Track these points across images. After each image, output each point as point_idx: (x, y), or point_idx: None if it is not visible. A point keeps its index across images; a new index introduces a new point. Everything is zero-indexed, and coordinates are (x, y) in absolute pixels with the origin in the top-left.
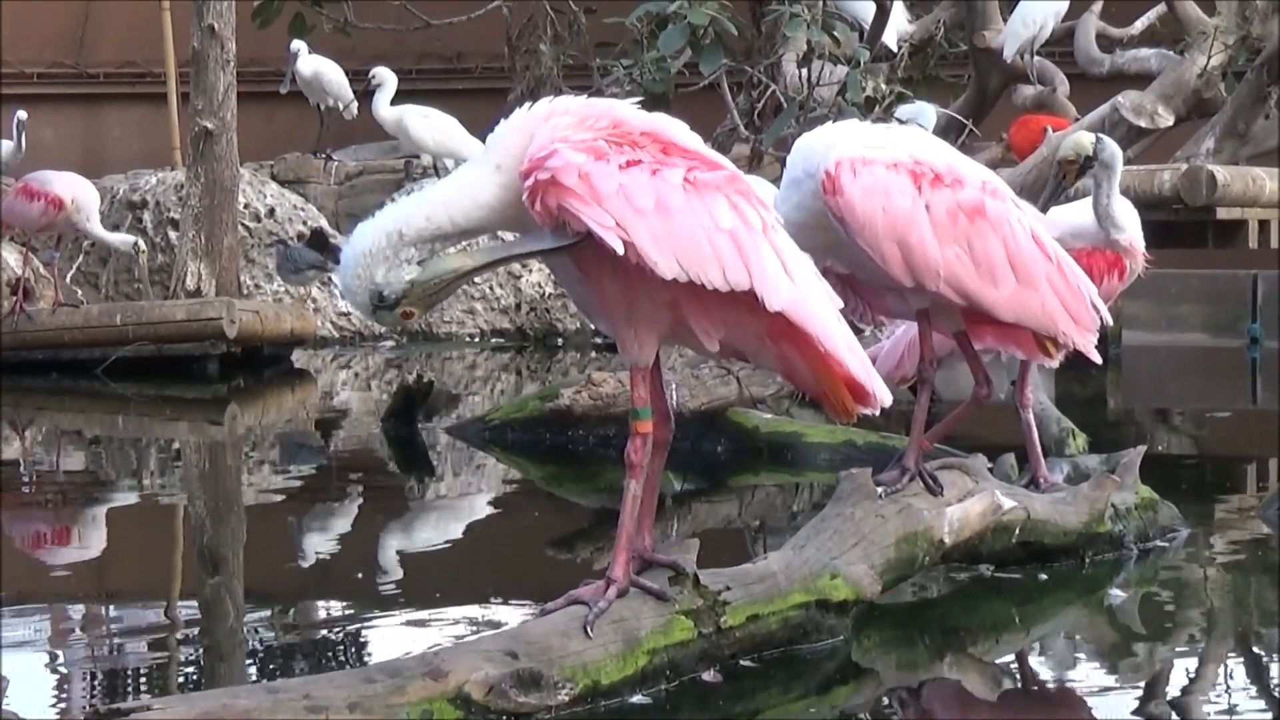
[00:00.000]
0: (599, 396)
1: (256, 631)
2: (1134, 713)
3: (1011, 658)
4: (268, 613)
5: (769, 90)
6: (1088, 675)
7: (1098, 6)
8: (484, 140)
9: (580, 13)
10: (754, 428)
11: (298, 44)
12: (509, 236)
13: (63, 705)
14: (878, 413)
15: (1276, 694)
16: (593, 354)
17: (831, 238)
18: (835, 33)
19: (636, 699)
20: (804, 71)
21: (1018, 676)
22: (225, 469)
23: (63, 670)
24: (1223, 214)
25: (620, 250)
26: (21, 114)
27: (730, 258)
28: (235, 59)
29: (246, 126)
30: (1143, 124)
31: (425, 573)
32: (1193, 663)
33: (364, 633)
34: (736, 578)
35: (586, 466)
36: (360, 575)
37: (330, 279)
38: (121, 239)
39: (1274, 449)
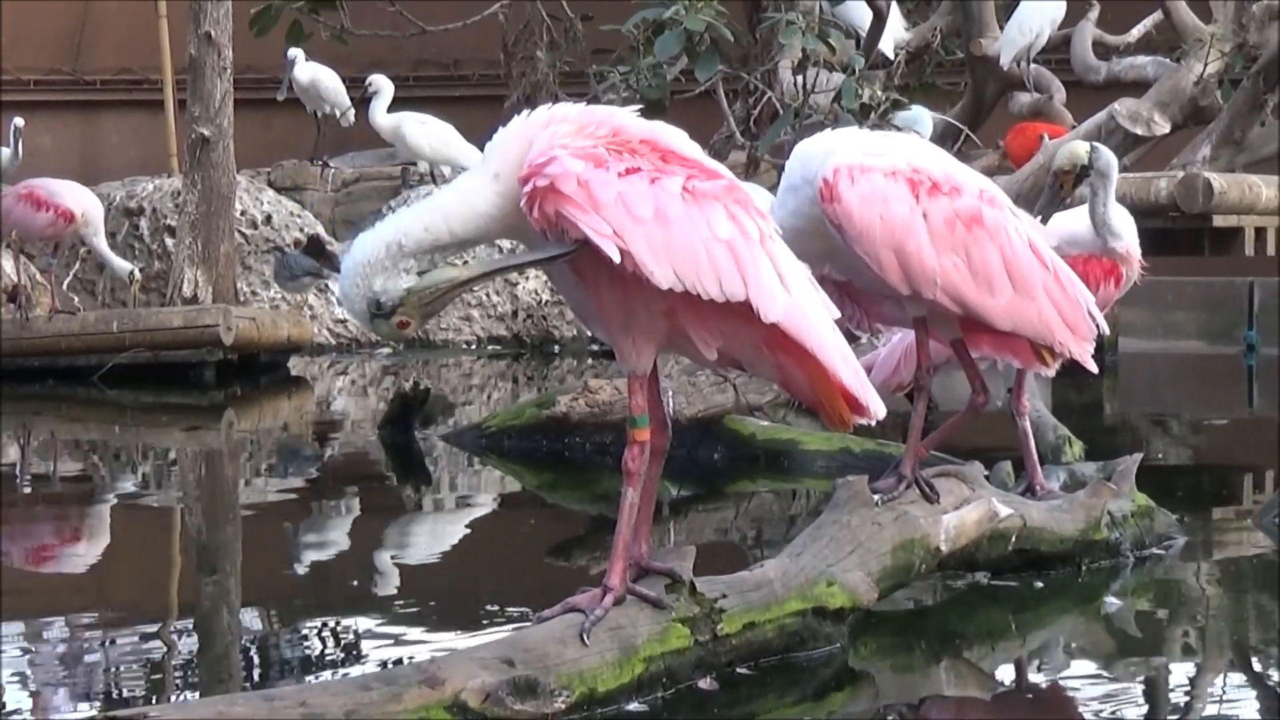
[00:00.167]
0: (595, 404)
1: (253, 639)
2: None
3: (1008, 666)
4: (264, 620)
5: (765, 97)
6: (1084, 683)
7: (1094, 14)
8: (481, 147)
9: (577, 19)
10: (751, 435)
11: (295, 51)
12: (509, 247)
13: (59, 712)
14: (873, 423)
15: (1273, 702)
16: (589, 361)
17: (827, 244)
18: (831, 40)
19: (633, 706)
20: (800, 78)
21: (1014, 684)
22: (222, 476)
23: (59, 677)
24: (1219, 221)
25: (617, 258)
26: (18, 121)
27: (727, 268)
28: (232, 66)
29: (243, 133)
30: (1139, 131)
31: (421, 580)
32: (1189, 671)
33: (360, 640)
34: (733, 585)
35: (583, 474)
36: (356, 583)
37: (327, 286)
38: (121, 264)
39: (1270, 456)
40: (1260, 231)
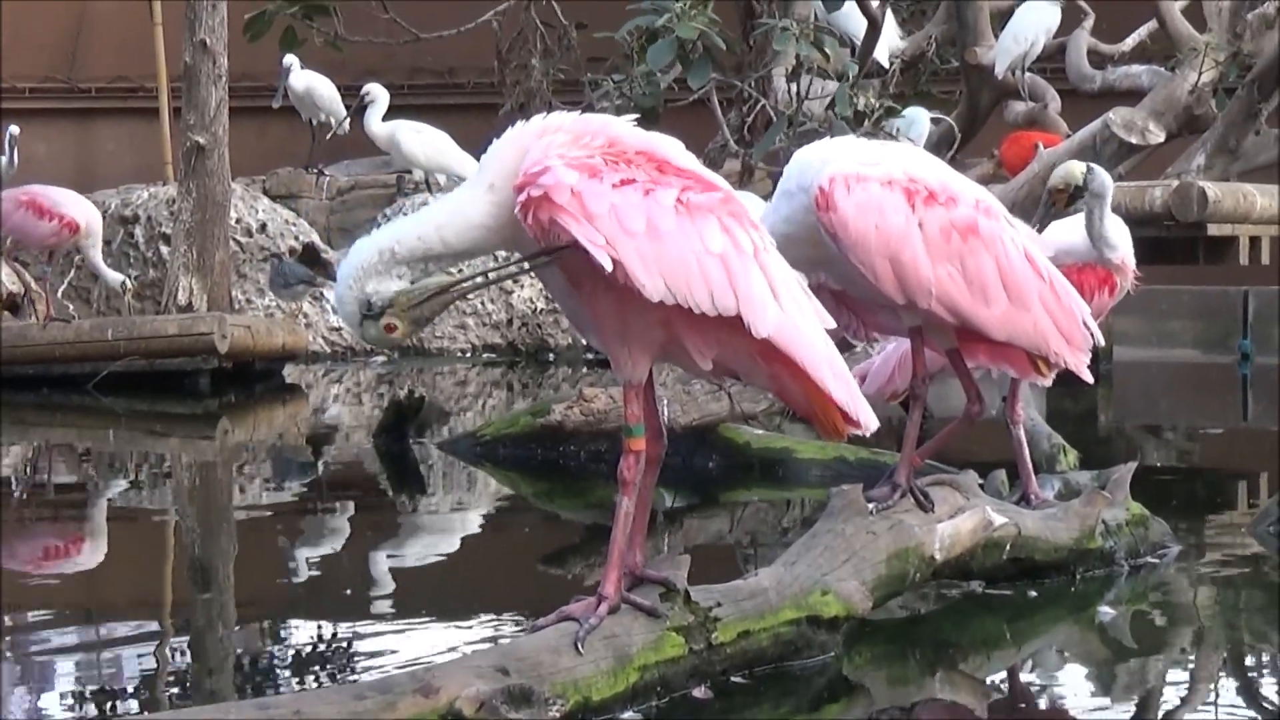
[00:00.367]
0: (590, 412)
1: (247, 647)
2: None
3: (1002, 674)
4: (258, 628)
5: (759, 105)
6: (1078, 692)
7: (1089, 23)
8: (477, 155)
9: (570, 27)
10: (745, 443)
11: (290, 59)
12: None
13: None
14: (866, 434)
15: (1267, 711)
16: (584, 369)
17: (819, 251)
18: (825, 47)
19: (627, 715)
20: (793, 86)
21: (1008, 693)
22: (216, 484)
23: (53, 685)
24: (1214, 230)
25: (609, 268)
26: (13, 129)
27: (718, 282)
28: (227, 74)
29: (238, 141)
30: (1134, 140)
31: (416, 588)
32: (1183, 680)
33: (355, 649)
34: (728, 594)
35: (578, 482)
36: (351, 591)
37: (322, 294)
38: (113, 276)
39: (1265, 465)
40: (1255, 240)
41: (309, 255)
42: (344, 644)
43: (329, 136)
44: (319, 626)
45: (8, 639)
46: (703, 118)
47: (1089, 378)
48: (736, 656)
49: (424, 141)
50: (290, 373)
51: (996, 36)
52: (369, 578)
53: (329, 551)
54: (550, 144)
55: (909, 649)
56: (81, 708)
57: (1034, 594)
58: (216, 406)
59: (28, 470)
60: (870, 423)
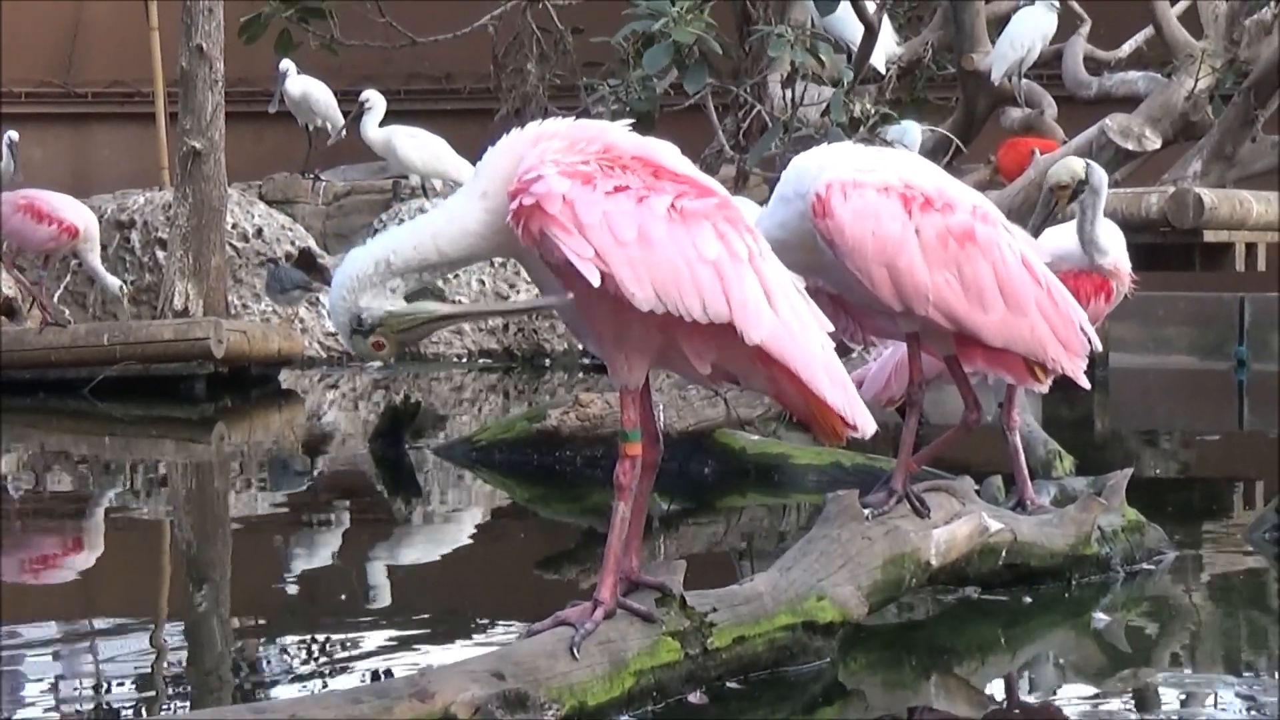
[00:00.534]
0: (586, 417)
1: (243, 652)
2: None
3: (997, 680)
4: (254, 633)
5: (755, 110)
6: (1073, 698)
7: (1085, 29)
8: (473, 160)
9: (566, 31)
10: (741, 449)
11: (286, 64)
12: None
13: None
14: (864, 438)
15: (1263, 717)
16: (580, 375)
17: (816, 257)
18: (820, 53)
19: None
20: (789, 92)
21: (1004, 699)
22: (212, 489)
23: (48, 691)
24: (1210, 237)
25: (597, 282)
26: (13, 134)
27: (711, 289)
28: (224, 79)
29: (235, 146)
30: (1130, 147)
31: (412, 593)
32: (1179, 686)
33: (350, 653)
34: (723, 599)
35: (574, 487)
36: (346, 596)
37: (318, 299)
38: (112, 281)
39: (1261, 471)
40: (1251, 247)
41: (305, 260)
42: (339, 648)
43: (329, 144)
44: (315, 631)
45: (3, 644)
46: (698, 123)
47: (1085, 384)
48: (732, 662)
49: (420, 146)
50: (286, 378)
51: (993, 42)
52: (364, 582)
53: (325, 556)
54: (545, 150)
55: (904, 654)
56: (77, 714)
57: (1029, 600)
58: (212, 411)
59: (23, 475)
60: (868, 427)
